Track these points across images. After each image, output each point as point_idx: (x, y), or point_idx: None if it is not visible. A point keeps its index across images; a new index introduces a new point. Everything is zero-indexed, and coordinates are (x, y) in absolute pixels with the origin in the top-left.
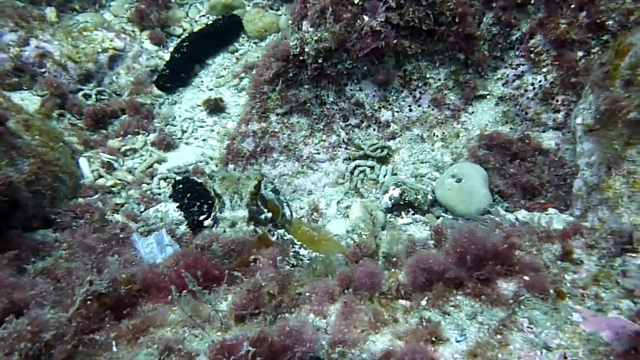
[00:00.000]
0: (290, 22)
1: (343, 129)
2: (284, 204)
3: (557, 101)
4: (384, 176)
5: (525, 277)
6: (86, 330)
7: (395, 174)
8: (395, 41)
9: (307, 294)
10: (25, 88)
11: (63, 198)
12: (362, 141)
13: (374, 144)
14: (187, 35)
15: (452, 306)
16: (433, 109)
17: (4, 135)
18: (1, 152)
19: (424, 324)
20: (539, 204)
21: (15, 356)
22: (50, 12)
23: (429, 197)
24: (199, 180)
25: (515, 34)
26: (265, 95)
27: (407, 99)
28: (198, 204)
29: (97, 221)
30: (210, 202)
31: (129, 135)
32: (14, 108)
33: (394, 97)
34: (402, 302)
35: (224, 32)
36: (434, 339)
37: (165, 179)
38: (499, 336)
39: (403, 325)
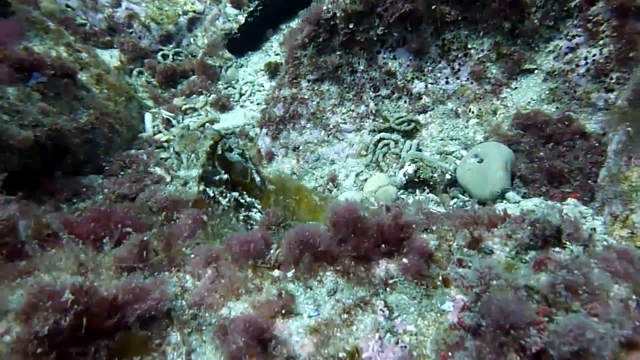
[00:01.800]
0: None
1: (372, 100)
2: (252, 170)
3: (611, 79)
4: (407, 151)
5: (405, 260)
6: None
7: (420, 150)
8: (433, 7)
9: (192, 256)
10: (115, 46)
11: (117, 148)
12: (389, 113)
13: (401, 117)
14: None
15: (317, 281)
16: (472, 83)
17: (69, 87)
18: (63, 101)
19: (282, 295)
20: (563, 193)
21: None
22: None
23: (448, 176)
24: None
25: (573, 0)
26: (297, 61)
27: (444, 70)
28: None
29: (141, 172)
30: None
31: (194, 95)
32: (94, 63)
33: (430, 68)
34: (276, 272)
35: None
36: (284, 311)
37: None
38: (345, 315)
39: (263, 295)
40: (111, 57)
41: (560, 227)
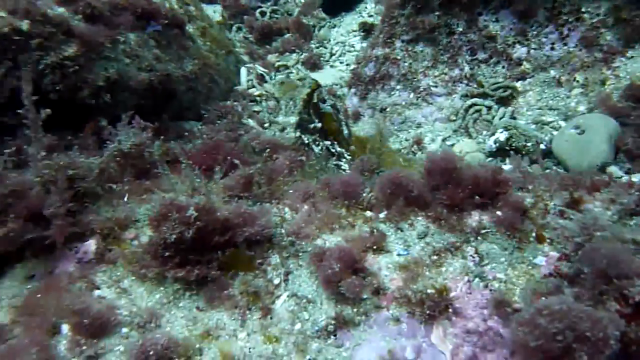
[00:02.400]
0: None
1: (468, 63)
2: (343, 122)
3: None
4: (500, 118)
5: (498, 213)
6: (109, 179)
7: (514, 118)
8: None
9: (290, 191)
10: (218, 2)
11: (215, 98)
12: (485, 78)
13: (497, 83)
14: None
15: (408, 224)
16: (581, 49)
17: (178, 37)
18: (172, 49)
19: (374, 233)
20: None
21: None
22: None
23: (542, 146)
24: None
25: None
26: (394, 20)
27: (551, 35)
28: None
29: (235, 122)
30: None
31: (287, 53)
32: (200, 16)
33: (535, 32)
34: (368, 213)
35: None
36: (375, 247)
37: None
38: (435, 257)
39: (355, 231)
40: (214, 12)
41: None
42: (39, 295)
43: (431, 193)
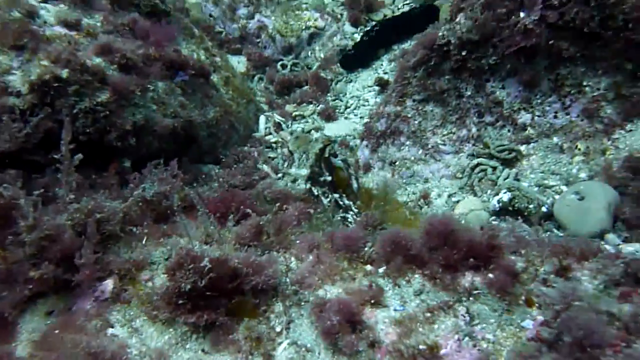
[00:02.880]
0: (448, 13)
1: (475, 125)
2: (352, 176)
3: None
4: (504, 179)
5: (490, 275)
6: (130, 222)
7: (518, 180)
8: (551, 42)
9: (297, 241)
10: (243, 54)
11: (234, 143)
12: (491, 140)
13: (502, 145)
14: (381, 20)
15: (405, 280)
16: (582, 120)
17: (203, 85)
18: (197, 97)
19: (373, 287)
20: None
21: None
22: None
23: (544, 209)
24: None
25: None
26: (406, 81)
27: (554, 104)
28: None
29: (251, 167)
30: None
31: (304, 104)
32: (225, 67)
33: (539, 101)
34: (369, 267)
35: (418, 20)
36: (373, 301)
37: None
38: (428, 314)
39: (355, 284)
40: (238, 63)
41: None
42: (57, 331)
43: (429, 252)
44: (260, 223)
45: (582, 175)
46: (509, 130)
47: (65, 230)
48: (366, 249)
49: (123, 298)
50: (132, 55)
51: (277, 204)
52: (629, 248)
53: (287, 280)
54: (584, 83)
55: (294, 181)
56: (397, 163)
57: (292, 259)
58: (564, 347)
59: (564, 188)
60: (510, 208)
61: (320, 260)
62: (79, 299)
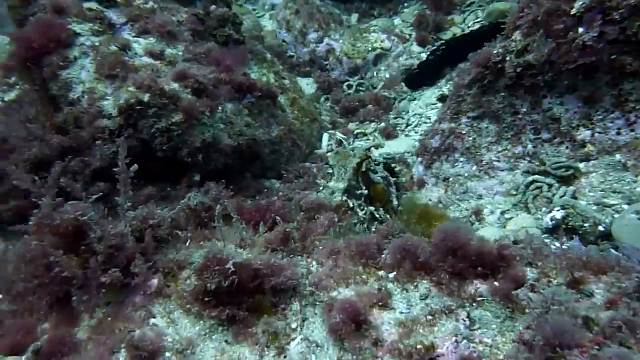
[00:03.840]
0: (505, 31)
1: (531, 142)
2: (393, 194)
3: None
4: (560, 197)
5: (495, 283)
6: (176, 227)
7: (575, 198)
8: (612, 57)
9: (320, 247)
10: (312, 76)
11: (296, 160)
12: (547, 157)
13: (560, 162)
14: (449, 39)
15: (413, 285)
16: None
17: (269, 106)
18: (263, 117)
19: (381, 290)
20: None
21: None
22: (354, 18)
23: (601, 228)
24: (393, 167)
25: None
26: (461, 98)
27: (617, 120)
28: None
29: (310, 182)
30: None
31: (366, 122)
32: (292, 88)
33: (600, 117)
34: (381, 272)
35: (486, 38)
36: (380, 304)
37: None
38: (430, 317)
39: (366, 287)
40: (307, 85)
41: None
42: (109, 319)
43: (437, 260)
44: (288, 230)
45: None
46: (567, 147)
47: (128, 239)
48: (383, 256)
49: (165, 292)
50: (204, 80)
51: (308, 214)
52: None
53: (307, 281)
54: None
55: (331, 193)
56: (450, 179)
57: (314, 262)
58: (538, 347)
59: (625, 207)
60: (564, 226)
61: (338, 264)
62: (131, 293)
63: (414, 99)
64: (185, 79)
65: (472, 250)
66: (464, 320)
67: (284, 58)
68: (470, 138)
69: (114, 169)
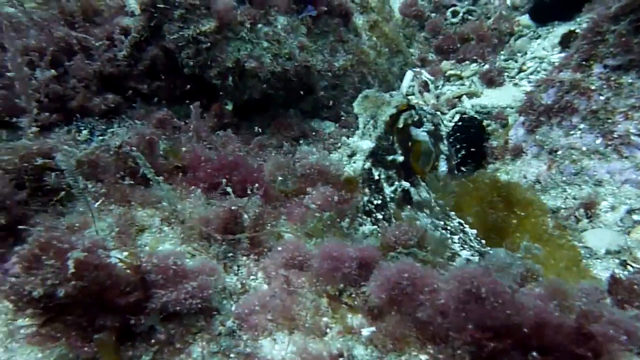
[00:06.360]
0: None
1: None
2: (443, 157)
3: None
4: None
5: None
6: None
7: None
8: None
9: (279, 248)
10: None
11: None
12: None
13: None
14: None
15: (397, 358)
16: None
17: (338, 28)
18: (326, 40)
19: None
20: None
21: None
22: None
23: None
24: (485, 127)
25: None
26: (599, 36)
27: None
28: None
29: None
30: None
31: (467, 62)
32: (378, 9)
33: None
34: (355, 319)
35: None
36: None
37: (463, 114)
38: None
39: (320, 344)
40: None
41: None
42: None
43: (453, 322)
44: (235, 208)
45: None
46: None
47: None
48: (369, 285)
49: None
50: None
51: (300, 184)
52: None
53: (232, 307)
54: None
55: (351, 155)
56: (559, 152)
57: (259, 273)
58: None
59: None
60: None
61: (289, 285)
62: None
63: (538, 37)
64: None
65: (528, 318)
66: None
67: None
68: (602, 97)
69: None
